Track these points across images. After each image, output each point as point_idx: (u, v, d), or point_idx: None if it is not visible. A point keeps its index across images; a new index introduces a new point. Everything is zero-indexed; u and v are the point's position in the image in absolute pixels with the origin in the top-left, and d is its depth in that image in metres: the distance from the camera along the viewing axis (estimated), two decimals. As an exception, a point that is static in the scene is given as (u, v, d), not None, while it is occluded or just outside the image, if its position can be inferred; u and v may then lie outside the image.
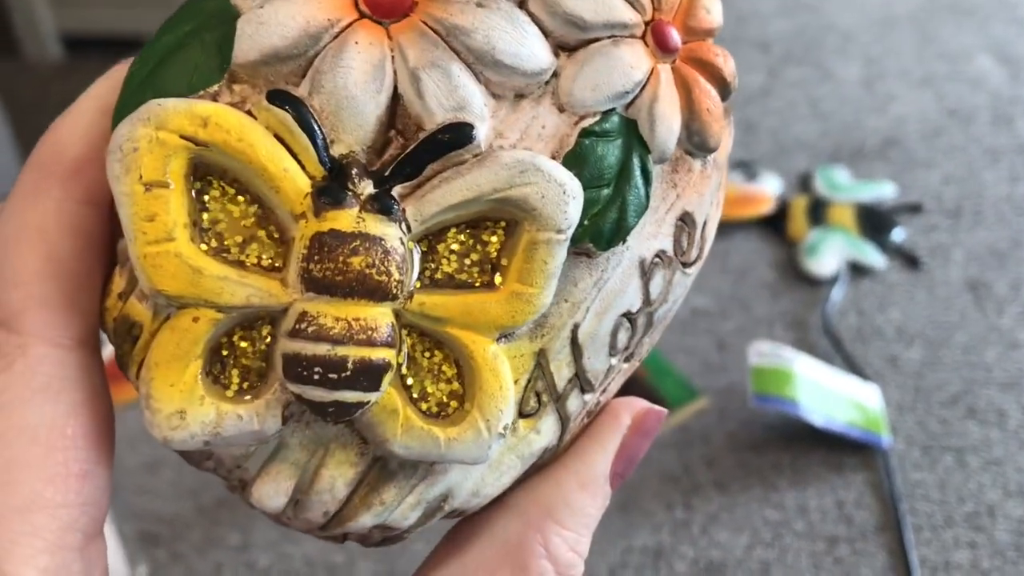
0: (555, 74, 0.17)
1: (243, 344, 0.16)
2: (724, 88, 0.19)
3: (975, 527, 0.42)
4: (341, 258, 0.15)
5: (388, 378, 0.16)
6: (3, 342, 0.16)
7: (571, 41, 0.17)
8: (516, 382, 0.17)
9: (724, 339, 0.51)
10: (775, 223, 0.58)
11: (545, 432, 0.18)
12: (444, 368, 0.17)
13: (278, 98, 0.16)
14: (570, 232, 0.16)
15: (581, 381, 0.18)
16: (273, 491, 0.17)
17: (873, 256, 0.55)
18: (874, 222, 0.57)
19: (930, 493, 0.43)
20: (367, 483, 0.17)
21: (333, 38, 0.16)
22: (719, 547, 0.42)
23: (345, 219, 0.15)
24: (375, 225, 0.16)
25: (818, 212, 0.58)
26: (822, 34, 0.77)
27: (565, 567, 0.18)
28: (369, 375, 0.16)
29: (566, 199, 0.16)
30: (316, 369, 0.15)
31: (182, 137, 0.15)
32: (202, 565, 0.42)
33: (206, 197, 0.16)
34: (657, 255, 0.18)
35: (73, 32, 2.04)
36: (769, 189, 0.60)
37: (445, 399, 0.17)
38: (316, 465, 0.17)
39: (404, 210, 0.16)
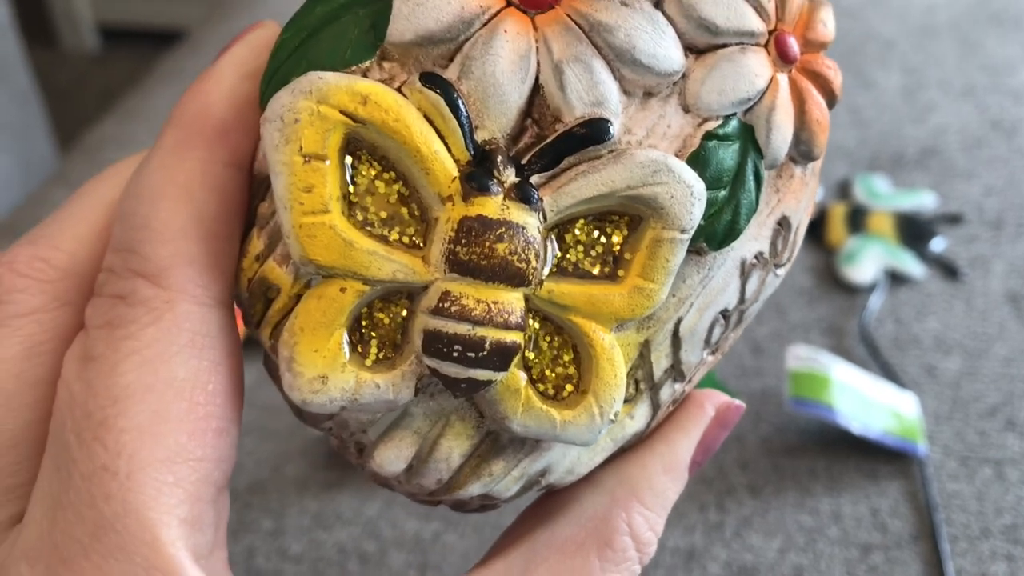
0: (683, 75, 0.18)
1: (380, 316, 0.17)
2: (831, 100, 0.20)
3: (1013, 540, 0.41)
4: (487, 244, 0.16)
5: (516, 359, 0.17)
6: (152, 296, 0.16)
7: (700, 44, 0.18)
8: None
9: (760, 343, 0.51)
10: (813, 229, 0.57)
11: (639, 418, 0.19)
12: (562, 353, 0.17)
13: (431, 81, 0.16)
14: (692, 232, 0.17)
15: (675, 372, 0.19)
16: (394, 456, 0.18)
17: (912, 265, 0.54)
18: (913, 231, 0.56)
19: (967, 504, 0.43)
20: (478, 455, 0.18)
21: (483, 25, 0.16)
22: (752, 550, 0.41)
23: (491, 206, 0.16)
24: (518, 214, 0.16)
25: (857, 219, 0.57)
26: (862, 42, 0.76)
27: (644, 544, 0.19)
28: (502, 356, 0.16)
29: (693, 200, 0.17)
30: (456, 347, 0.16)
31: (342, 112, 0.16)
32: (235, 548, 0.42)
33: (354, 172, 0.16)
34: (756, 256, 0.19)
35: (110, 23, 2.06)
36: (807, 195, 0.60)
37: (561, 382, 0.17)
38: (436, 435, 0.18)
39: (541, 199, 0.16)
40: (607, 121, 0.17)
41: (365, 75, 0.16)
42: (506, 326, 0.16)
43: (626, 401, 0.19)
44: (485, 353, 0.16)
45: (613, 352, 0.17)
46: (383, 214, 0.16)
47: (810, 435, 0.46)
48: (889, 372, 0.48)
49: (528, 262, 0.16)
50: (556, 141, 0.16)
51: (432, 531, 0.42)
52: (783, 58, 0.19)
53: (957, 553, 0.41)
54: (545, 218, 0.17)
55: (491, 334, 0.16)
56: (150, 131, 0.69)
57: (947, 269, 0.55)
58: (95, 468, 0.16)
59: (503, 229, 0.16)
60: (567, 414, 0.17)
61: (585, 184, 0.17)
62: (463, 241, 0.16)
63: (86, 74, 1.99)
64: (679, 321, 0.18)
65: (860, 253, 0.55)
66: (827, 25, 0.19)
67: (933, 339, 0.51)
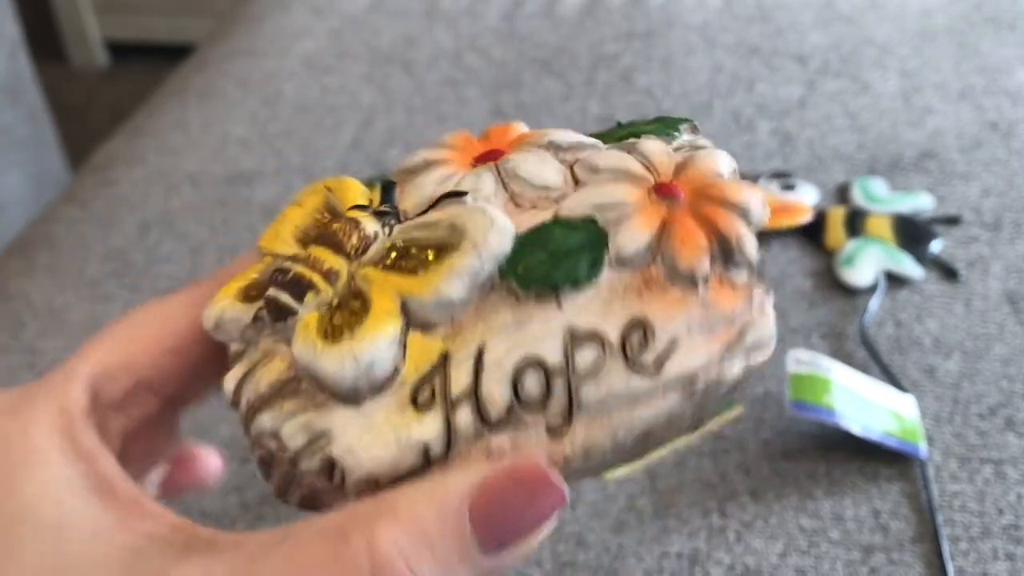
0: (564, 195, 0.23)
1: (272, 290, 0.23)
2: (727, 249, 0.22)
3: (1014, 539, 0.42)
4: (335, 225, 0.23)
5: (311, 295, 0.22)
6: (58, 382, 0.24)
7: (584, 179, 0.23)
8: (417, 368, 0.21)
9: (760, 348, 0.51)
10: (812, 233, 0.58)
11: (428, 426, 0.20)
12: (361, 315, 0.21)
13: (385, 187, 0.25)
14: (484, 253, 0.21)
15: (477, 402, 0.20)
16: (233, 376, 0.23)
17: (911, 267, 0.55)
18: (912, 233, 0.57)
19: (968, 504, 0.43)
20: (279, 391, 0.22)
21: (441, 166, 0.25)
22: (754, 554, 0.42)
23: (363, 217, 0.23)
24: (369, 221, 0.23)
25: (855, 223, 0.58)
26: (860, 47, 0.77)
27: (379, 569, 0.18)
28: (298, 285, 0.22)
29: (492, 231, 0.21)
30: (278, 274, 0.23)
31: (325, 186, 0.25)
32: (246, 559, 0.43)
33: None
34: (593, 332, 0.20)
35: (118, 40, 2.08)
36: (806, 199, 0.60)
37: (342, 329, 0.21)
38: (257, 363, 0.22)
39: (393, 222, 0.23)
40: (464, 192, 0.23)
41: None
42: (311, 269, 0.22)
43: (418, 404, 0.20)
44: (287, 279, 0.22)
45: (385, 317, 0.21)
46: (313, 233, 0.24)
47: (811, 438, 0.46)
48: (889, 374, 0.49)
49: (350, 239, 0.22)
50: (434, 203, 0.23)
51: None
52: (660, 193, 0.22)
53: (958, 554, 0.41)
54: (391, 233, 0.23)
55: (297, 269, 0.22)
56: (157, 149, 0.70)
57: (946, 271, 0.55)
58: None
59: (350, 224, 0.23)
60: (328, 348, 0.21)
61: (427, 218, 0.23)
62: (329, 227, 0.23)
63: (95, 90, 2.01)
64: (484, 346, 0.20)
65: (859, 256, 0.55)
66: (722, 174, 0.23)
67: (932, 340, 0.51)
